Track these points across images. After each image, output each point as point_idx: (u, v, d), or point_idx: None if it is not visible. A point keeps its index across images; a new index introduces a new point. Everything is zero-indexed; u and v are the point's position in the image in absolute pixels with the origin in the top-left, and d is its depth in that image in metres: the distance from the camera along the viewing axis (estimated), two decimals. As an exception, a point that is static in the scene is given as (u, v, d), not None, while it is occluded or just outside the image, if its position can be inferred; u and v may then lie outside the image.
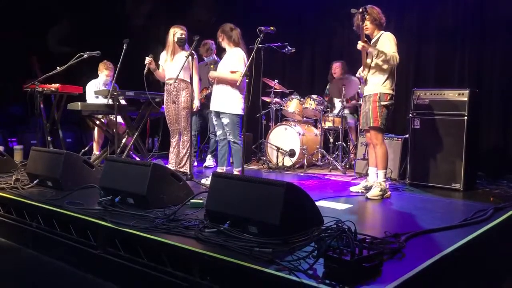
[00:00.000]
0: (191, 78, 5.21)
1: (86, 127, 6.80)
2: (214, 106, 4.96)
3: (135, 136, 5.67)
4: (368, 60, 4.34)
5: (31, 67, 7.50)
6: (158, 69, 5.40)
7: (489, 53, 6.17)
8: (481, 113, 5.37)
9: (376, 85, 4.34)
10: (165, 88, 5.39)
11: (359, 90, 4.99)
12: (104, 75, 6.34)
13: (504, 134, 6.10)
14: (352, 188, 4.65)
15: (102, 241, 3.06)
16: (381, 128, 4.37)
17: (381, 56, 4.22)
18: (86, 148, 6.68)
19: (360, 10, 4.21)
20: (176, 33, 5.29)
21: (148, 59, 5.23)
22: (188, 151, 5.31)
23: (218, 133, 5.06)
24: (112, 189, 3.62)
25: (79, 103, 5.54)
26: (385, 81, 4.31)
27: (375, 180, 4.47)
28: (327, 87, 6.83)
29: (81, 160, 4.39)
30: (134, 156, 5.95)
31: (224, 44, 4.96)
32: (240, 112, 4.83)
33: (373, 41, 4.40)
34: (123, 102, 6.14)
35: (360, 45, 4.23)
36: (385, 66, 4.28)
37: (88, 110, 5.64)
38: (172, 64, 5.27)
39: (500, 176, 5.62)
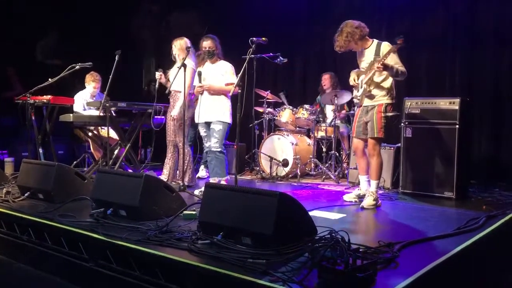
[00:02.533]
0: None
1: (78, 139, 6.76)
2: (204, 117, 4.98)
3: (127, 147, 5.64)
4: (375, 76, 4.33)
5: (8, 79, 7.43)
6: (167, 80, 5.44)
7: (480, 62, 6.23)
8: (472, 121, 5.41)
9: (380, 96, 4.35)
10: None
11: (354, 100, 4.98)
12: (92, 87, 6.32)
13: (496, 142, 6.14)
14: (346, 197, 4.65)
15: (94, 254, 3.03)
16: (383, 139, 4.39)
17: (398, 75, 4.21)
18: (78, 160, 6.64)
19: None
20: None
21: (158, 74, 5.28)
22: (186, 163, 5.29)
23: (208, 144, 5.05)
24: (104, 201, 3.59)
25: (71, 114, 5.51)
26: (388, 92, 4.34)
27: (368, 188, 4.48)
28: (318, 97, 6.89)
29: (73, 172, 4.36)
30: (126, 167, 5.92)
31: (215, 55, 5.00)
32: (230, 121, 4.93)
33: (370, 51, 4.36)
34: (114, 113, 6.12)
35: (379, 68, 4.15)
36: (389, 79, 4.31)
37: (80, 121, 5.61)
38: (172, 75, 5.29)
39: (492, 184, 5.64)
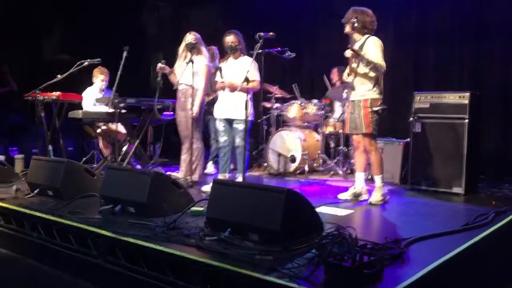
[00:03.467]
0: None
1: (87, 135, 6.80)
2: (225, 113, 4.95)
3: (136, 143, 5.67)
4: (354, 65, 4.29)
5: (2, 76, 7.47)
6: (172, 72, 5.36)
7: (488, 55, 6.17)
8: (481, 116, 5.36)
9: (365, 90, 4.27)
10: (177, 94, 5.39)
11: (344, 95, 4.96)
12: (100, 80, 6.31)
13: (505, 137, 6.09)
14: (340, 196, 4.52)
15: (102, 250, 3.05)
16: (374, 134, 4.32)
17: (369, 64, 4.16)
18: (88, 156, 6.68)
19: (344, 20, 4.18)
20: (186, 37, 5.28)
21: (160, 65, 5.21)
22: (197, 159, 5.26)
23: (223, 139, 5.03)
24: (113, 197, 3.61)
25: (80, 111, 5.54)
26: (373, 86, 4.25)
27: (363, 186, 4.46)
28: (327, 92, 6.87)
29: (82, 169, 4.38)
30: (135, 163, 5.95)
31: (238, 50, 4.96)
32: (252, 117, 4.93)
33: (358, 44, 4.32)
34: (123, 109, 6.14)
35: (348, 53, 4.17)
36: (372, 73, 4.24)
37: (89, 118, 5.64)
38: (180, 69, 5.23)
39: (502, 179, 5.60)
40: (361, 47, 4.26)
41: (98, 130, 5.96)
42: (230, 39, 4.96)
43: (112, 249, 2.98)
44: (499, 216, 3.67)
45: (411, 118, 5.17)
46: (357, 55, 4.15)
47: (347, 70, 4.43)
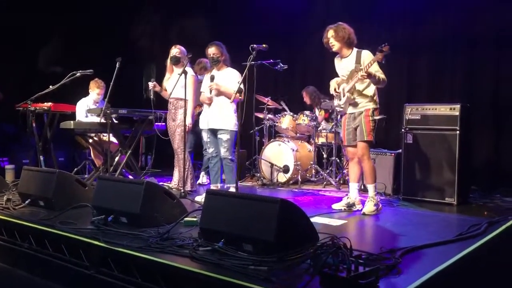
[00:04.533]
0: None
1: (79, 146, 6.76)
2: (210, 124, 4.96)
3: (128, 154, 5.64)
4: (357, 84, 4.34)
5: None
6: (162, 89, 5.47)
7: (479, 67, 6.24)
8: (473, 127, 5.41)
9: (365, 102, 4.36)
10: (168, 106, 5.45)
11: (336, 108, 5.02)
12: (96, 93, 6.31)
13: (496, 147, 6.14)
14: (334, 206, 4.56)
15: (95, 261, 3.02)
16: (372, 142, 4.39)
17: (379, 82, 4.23)
18: (79, 167, 6.64)
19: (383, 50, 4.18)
20: (171, 51, 5.35)
21: (151, 84, 5.28)
22: (188, 170, 5.29)
23: (211, 150, 5.04)
24: (105, 208, 3.58)
25: (72, 121, 5.51)
26: (372, 97, 4.36)
27: (357, 196, 4.49)
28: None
29: (73, 179, 4.35)
30: (127, 174, 5.92)
31: (220, 61, 4.96)
32: (236, 128, 4.86)
33: (350, 59, 4.38)
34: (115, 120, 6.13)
35: (363, 76, 4.16)
36: (369, 88, 4.33)
37: (80, 128, 5.61)
38: (170, 83, 5.32)
39: (493, 190, 5.64)
40: (357, 62, 4.32)
41: (90, 140, 5.93)
42: (211, 50, 4.96)
43: (105, 260, 2.95)
44: (491, 226, 3.69)
45: (403, 130, 5.21)
46: (370, 77, 4.18)
47: (333, 85, 4.49)
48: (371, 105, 4.35)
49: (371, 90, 4.36)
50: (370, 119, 4.32)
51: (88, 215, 3.70)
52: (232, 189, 4.75)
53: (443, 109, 5.01)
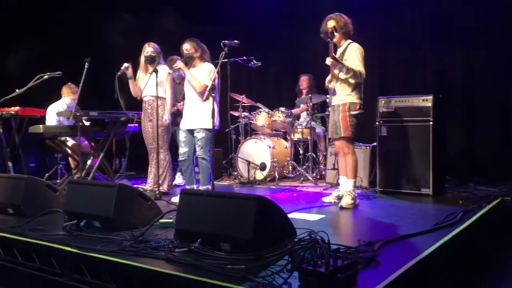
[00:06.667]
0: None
1: (50, 151, 6.58)
2: (187, 124, 4.88)
3: (100, 157, 5.51)
4: (336, 71, 4.35)
5: None
6: (135, 79, 5.29)
7: (451, 58, 6.33)
8: (446, 118, 5.47)
9: (344, 95, 4.34)
10: (142, 106, 5.32)
11: (327, 100, 5.04)
12: (70, 98, 6.19)
13: (469, 138, 6.23)
14: (325, 199, 4.63)
15: (67, 268, 2.92)
16: (352, 138, 4.38)
17: (349, 72, 4.23)
18: (51, 172, 6.46)
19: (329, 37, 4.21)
20: (144, 50, 5.24)
21: (126, 64, 5.13)
22: (165, 170, 5.20)
23: (183, 150, 4.93)
24: (77, 212, 3.47)
25: (41, 125, 5.36)
26: (352, 91, 4.33)
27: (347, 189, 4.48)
28: (296, 100, 6.93)
29: (44, 184, 4.21)
30: (100, 177, 5.78)
31: (194, 58, 4.88)
32: (211, 127, 4.75)
33: (340, 50, 4.40)
34: (86, 123, 5.98)
35: (328, 61, 4.21)
36: (351, 79, 4.30)
37: (50, 132, 5.46)
38: (143, 82, 5.19)
39: (467, 179, 5.72)
40: (343, 53, 4.31)
41: (69, 144, 5.79)
42: (185, 47, 4.90)
43: (78, 266, 2.85)
44: (467, 214, 3.73)
45: (377, 123, 5.23)
46: (337, 63, 4.17)
47: (329, 77, 4.45)
48: (348, 99, 4.32)
49: (353, 80, 4.28)
50: (346, 114, 4.30)
51: (59, 221, 3.57)
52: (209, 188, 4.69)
53: (416, 101, 5.05)
